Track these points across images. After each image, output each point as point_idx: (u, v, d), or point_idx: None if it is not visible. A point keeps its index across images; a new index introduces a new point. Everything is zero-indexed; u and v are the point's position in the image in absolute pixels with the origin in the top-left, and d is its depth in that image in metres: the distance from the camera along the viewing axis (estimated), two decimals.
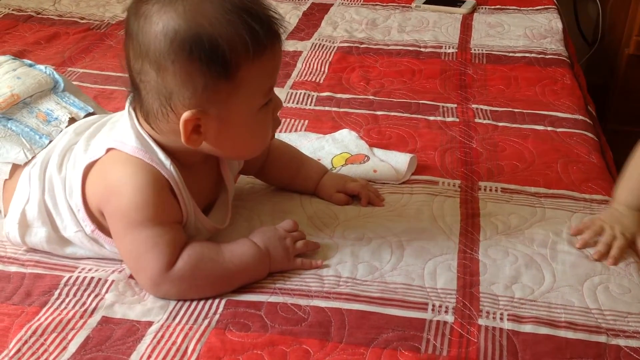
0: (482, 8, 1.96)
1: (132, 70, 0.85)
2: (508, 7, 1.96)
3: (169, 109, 0.83)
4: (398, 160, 1.16)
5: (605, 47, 2.18)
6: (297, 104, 1.42)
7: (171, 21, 0.80)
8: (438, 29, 1.81)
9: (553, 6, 1.96)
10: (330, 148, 1.21)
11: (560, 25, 1.82)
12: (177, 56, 0.80)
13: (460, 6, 1.93)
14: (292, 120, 1.34)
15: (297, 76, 1.54)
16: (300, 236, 0.94)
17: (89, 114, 1.05)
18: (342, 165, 1.17)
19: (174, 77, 0.81)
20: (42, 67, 1.12)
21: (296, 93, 1.46)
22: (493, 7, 1.97)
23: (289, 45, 1.70)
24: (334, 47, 1.70)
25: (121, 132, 0.88)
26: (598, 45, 2.26)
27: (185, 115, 0.82)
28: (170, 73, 0.81)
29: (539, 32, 1.78)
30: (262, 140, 0.91)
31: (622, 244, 0.97)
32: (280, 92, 1.43)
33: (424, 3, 1.96)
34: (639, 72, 1.92)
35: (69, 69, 1.55)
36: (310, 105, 1.41)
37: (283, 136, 1.23)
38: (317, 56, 1.65)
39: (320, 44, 1.72)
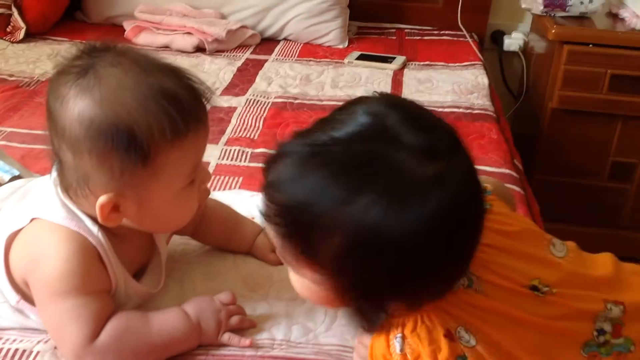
0: (412, 64, 2.02)
1: (53, 145, 0.83)
2: (436, 62, 2.03)
3: (88, 191, 0.82)
4: None
5: (530, 100, 2.27)
6: (231, 160, 1.42)
7: (87, 109, 0.78)
8: (370, 84, 1.85)
9: (479, 62, 2.03)
10: None
11: (486, 81, 1.89)
12: (93, 144, 0.78)
13: (391, 62, 1.99)
14: (226, 177, 1.34)
15: (231, 132, 1.54)
16: (236, 311, 0.91)
17: (14, 177, 1.02)
18: None
19: (90, 163, 0.79)
20: None
21: (230, 150, 1.46)
22: (422, 62, 2.03)
23: (224, 101, 1.70)
24: (269, 102, 1.72)
25: (46, 200, 0.86)
26: (524, 98, 2.35)
27: (102, 200, 0.81)
28: (86, 158, 0.79)
29: (466, 87, 1.85)
30: (186, 215, 0.90)
31: None
32: (214, 149, 1.44)
33: (356, 59, 2.01)
34: (563, 124, 2.01)
35: None
36: (244, 161, 1.41)
37: (217, 194, 1.22)
38: (252, 112, 1.66)
39: (254, 99, 1.74)
